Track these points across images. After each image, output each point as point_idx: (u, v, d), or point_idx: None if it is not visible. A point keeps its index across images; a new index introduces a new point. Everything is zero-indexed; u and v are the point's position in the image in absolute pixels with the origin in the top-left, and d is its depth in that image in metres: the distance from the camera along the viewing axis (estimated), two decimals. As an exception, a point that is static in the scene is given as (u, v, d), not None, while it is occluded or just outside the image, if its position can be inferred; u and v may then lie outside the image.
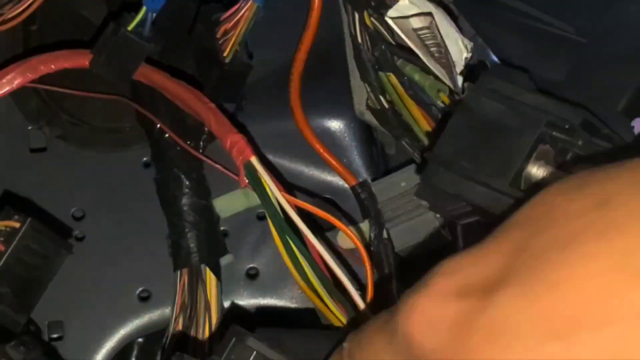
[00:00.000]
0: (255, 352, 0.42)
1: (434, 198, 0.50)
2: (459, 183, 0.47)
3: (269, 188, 0.52)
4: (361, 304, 0.48)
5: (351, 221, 0.59)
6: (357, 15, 0.56)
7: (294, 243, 0.51)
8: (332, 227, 0.57)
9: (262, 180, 0.52)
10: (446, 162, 0.48)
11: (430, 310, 0.32)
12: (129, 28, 0.56)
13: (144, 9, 0.56)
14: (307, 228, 0.50)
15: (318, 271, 0.51)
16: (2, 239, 0.55)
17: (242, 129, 0.58)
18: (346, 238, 0.56)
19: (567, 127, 0.45)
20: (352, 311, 0.49)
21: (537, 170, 0.45)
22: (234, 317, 0.59)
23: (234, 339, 0.43)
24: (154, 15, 0.56)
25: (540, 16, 0.51)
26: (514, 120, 0.46)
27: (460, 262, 0.33)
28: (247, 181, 0.53)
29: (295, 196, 0.56)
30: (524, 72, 0.49)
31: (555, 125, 0.45)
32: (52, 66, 0.57)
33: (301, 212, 0.51)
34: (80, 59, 0.58)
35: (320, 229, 0.56)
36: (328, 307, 0.51)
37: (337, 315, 0.50)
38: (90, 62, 0.58)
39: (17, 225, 0.55)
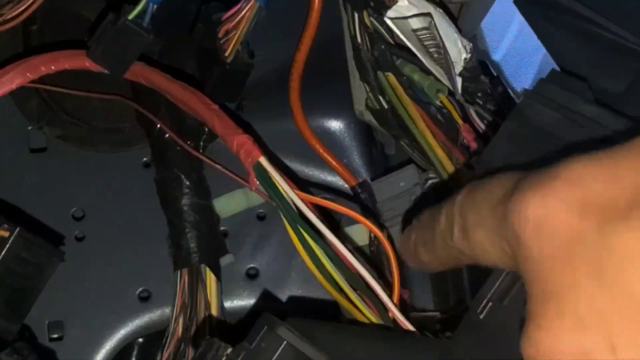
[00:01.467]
0: (285, 342, 0.41)
1: None
2: None
3: (282, 188, 0.51)
4: (388, 302, 0.49)
5: (351, 221, 0.59)
6: (356, 16, 0.56)
7: (313, 241, 0.50)
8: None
9: (274, 180, 0.51)
10: (493, 168, 0.47)
11: (546, 217, 0.30)
12: (130, 17, 0.56)
13: (143, 1, 0.56)
14: (323, 225, 0.50)
15: (342, 267, 0.50)
16: (-9, 248, 0.54)
17: (247, 127, 0.57)
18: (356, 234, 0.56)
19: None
20: (379, 305, 0.50)
21: None
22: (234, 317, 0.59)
23: (265, 327, 0.42)
24: (155, 7, 0.56)
25: (606, 24, 0.49)
26: (568, 130, 0.44)
27: (590, 171, 0.30)
28: (257, 183, 0.52)
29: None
30: (583, 80, 0.48)
31: (612, 140, 0.44)
32: (53, 67, 0.57)
33: (316, 209, 0.51)
34: (81, 60, 0.58)
35: (336, 225, 0.56)
36: (352, 303, 0.50)
37: (362, 310, 0.50)
38: (88, 51, 0.57)
39: (6, 234, 0.54)
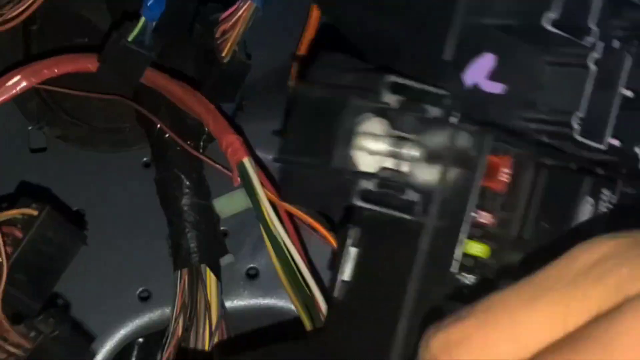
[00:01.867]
0: None
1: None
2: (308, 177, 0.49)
3: (257, 191, 0.55)
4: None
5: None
6: None
7: (281, 245, 0.54)
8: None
9: (252, 183, 0.55)
10: (292, 161, 0.50)
11: None
12: (129, 39, 0.56)
13: (142, 19, 0.56)
14: (285, 233, 0.54)
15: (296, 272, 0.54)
16: (19, 226, 0.55)
17: (240, 130, 0.58)
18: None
19: (373, 94, 0.45)
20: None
21: (371, 144, 0.45)
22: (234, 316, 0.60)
23: None
24: (154, 23, 0.57)
25: None
26: (335, 103, 0.46)
27: None
28: (239, 181, 0.55)
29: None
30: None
31: (365, 96, 0.45)
32: (56, 70, 0.57)
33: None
34: (84, 63, 0.58)
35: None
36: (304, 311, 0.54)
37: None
38: (97, 70, 0.58)
39: (35, 213, 0.55)
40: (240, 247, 0.61)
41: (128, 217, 0.61)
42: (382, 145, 0.45)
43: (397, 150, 0.44)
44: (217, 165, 0.58)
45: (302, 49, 0.61)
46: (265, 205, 0.54)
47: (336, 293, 0.46)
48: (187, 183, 0.59)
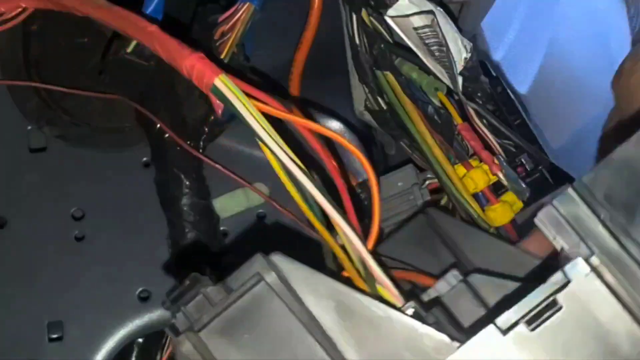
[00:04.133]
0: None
1: None
2: None
3: (244, 110, 0.43)
4: (359, 245, 0.40)
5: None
6: (354, 17, 0.56)
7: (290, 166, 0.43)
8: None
9: (234, 104, 0.43)
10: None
11: None
12: (129, 50, 0.56)
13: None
14: (285, 155, 0.43)
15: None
16: None
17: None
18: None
19: None
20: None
21: None
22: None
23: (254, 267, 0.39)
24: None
25: None
26: None
27: None
28: (222, 105, 0.44)
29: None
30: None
31: None
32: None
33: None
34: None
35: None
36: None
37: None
38: (99, 79, 0.58)
39: None
40: (240, 247, 0.61)
41: (128, 216, 0.61)
42: None
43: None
44: (217, 165, 0.58)
45: (303, 49, 0.61)
46: (260, 121, 0.42)
47: None
48: (187, 183, 0.59)
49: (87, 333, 0.59)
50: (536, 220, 0.36)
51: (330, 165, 0.45)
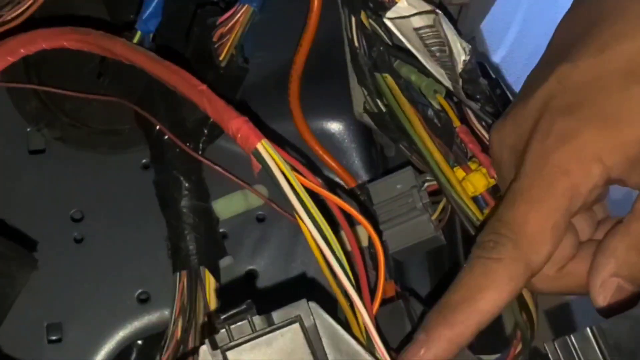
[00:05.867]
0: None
1: None
2: None
3: (280, 177, 0.47)
4: (359, 304, 0.47)
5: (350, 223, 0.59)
6: (353, 19, 0.56)
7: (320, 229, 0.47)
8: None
9: (272, 170, 0.47)
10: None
11: None
12: None
13: (139, 33, 0.56)
14: (326, 226, 0.47)
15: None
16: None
17: (241, 107, 0.54)
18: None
19: None
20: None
21: None
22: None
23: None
24: (151, 35, 0.56)
25: None
26: None
27: None
28: (260, 166, 0.48)
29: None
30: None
31: None
32: (31, 48, 0.55)
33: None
34: (58, 40, 0.55)
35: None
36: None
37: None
38: (98, 82, 0.58)
39: None
40: (240, 249, 0.61)
41: (127, 219, 0.61)
42: None
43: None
44: (217, 167, 0.58)
45: (302, 51, 0.61)
46: (299, 191, 0.46)
47: None
48: (186, 185, 0.59)
49: (86, 335, 0.59)
50: (548, 344, 0.42)
51: (350, 236, 0.49)
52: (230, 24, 0.57)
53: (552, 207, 0.44)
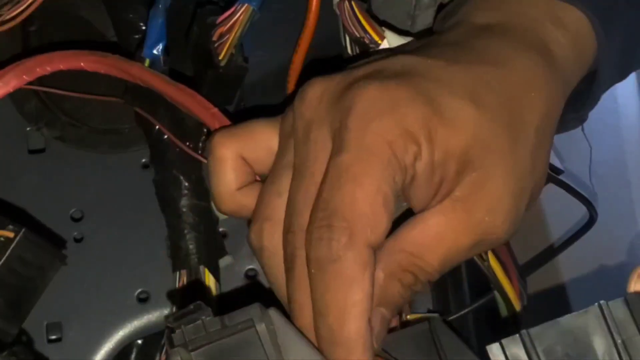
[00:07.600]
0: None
1: None
2: None
3: None
4: None
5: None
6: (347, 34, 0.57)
7: None
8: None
9: None
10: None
11: None
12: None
13: (147, 60, 0.57)
14: None
15: None
16: (-5, 248, 0.54)
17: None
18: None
19: None
20: None
21: None
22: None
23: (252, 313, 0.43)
24: (161, 58, 0.57)
25: None
26: None
27: None
28: None
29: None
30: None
31: None
32: (48, 68, 0.56)
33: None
34: (76, 61, 0.57)
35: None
36: None
37: None
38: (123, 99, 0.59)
39: (11, 235, 0.54)
40: (240, 248, 0.61)
41: (127, 218, 0.61)
42: None
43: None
44: (216, 167, 0.58)
45: (300, 51, 0.61)
46: None
47: None
48: (186, 184, 0.59)
49: (86, 334, 0.59)
50: (487, 348, 0.43)
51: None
52: (229, 23, 0.57)
53: (380, 179, 0.41)
